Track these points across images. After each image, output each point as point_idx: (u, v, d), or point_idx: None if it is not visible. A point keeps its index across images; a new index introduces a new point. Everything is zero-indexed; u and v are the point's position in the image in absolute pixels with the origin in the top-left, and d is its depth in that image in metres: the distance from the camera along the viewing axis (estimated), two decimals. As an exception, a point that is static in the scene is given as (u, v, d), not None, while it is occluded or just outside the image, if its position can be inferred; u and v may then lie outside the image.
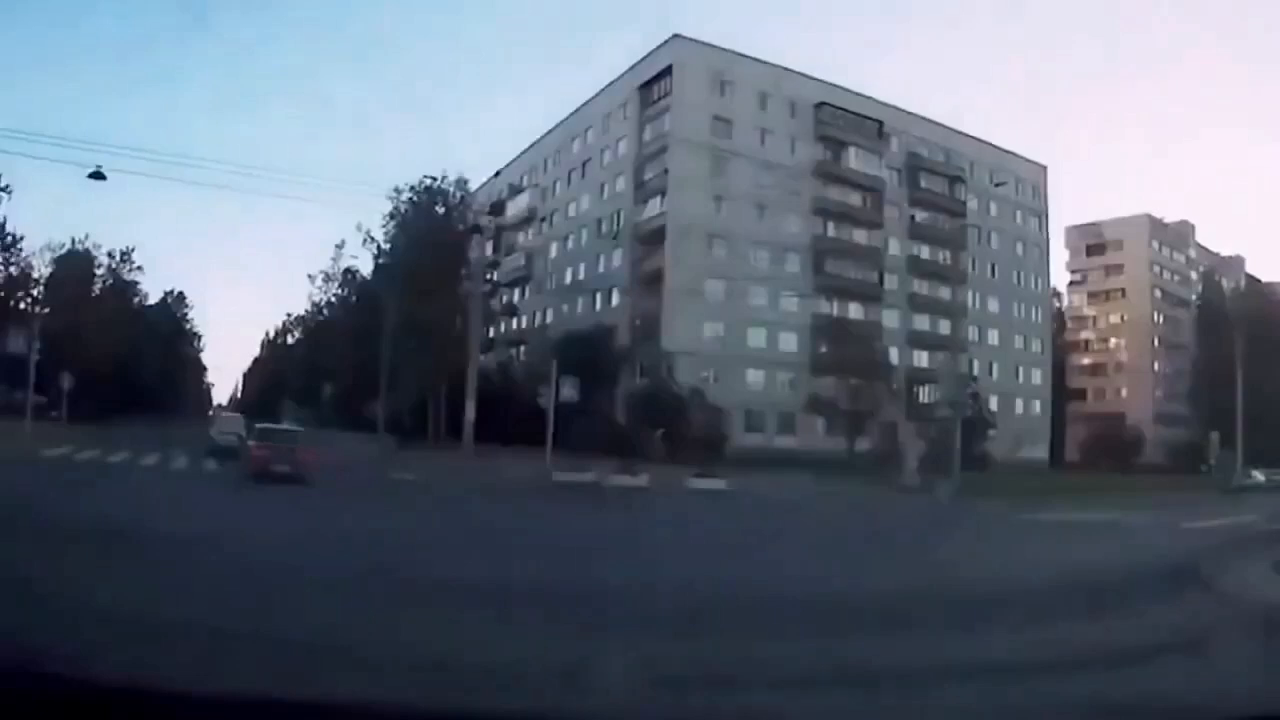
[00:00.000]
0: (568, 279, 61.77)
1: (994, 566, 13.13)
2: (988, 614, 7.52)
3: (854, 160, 59.28)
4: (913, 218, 62.30)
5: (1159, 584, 10.10)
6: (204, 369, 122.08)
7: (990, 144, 65.97)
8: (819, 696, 4.28)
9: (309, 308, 65.45)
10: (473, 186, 56.04)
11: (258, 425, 29.50)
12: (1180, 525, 20.94)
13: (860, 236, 59.59)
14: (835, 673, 4.93)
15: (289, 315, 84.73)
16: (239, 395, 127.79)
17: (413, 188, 52.13)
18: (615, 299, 56.97)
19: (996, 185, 60.14)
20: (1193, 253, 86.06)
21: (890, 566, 12.62)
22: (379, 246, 54.03)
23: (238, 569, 8.48)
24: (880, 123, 60.54)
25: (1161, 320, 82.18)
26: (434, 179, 52.22)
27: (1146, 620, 7.34)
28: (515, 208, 66.32)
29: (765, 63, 56.92)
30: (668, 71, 55.51)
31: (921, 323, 61.81)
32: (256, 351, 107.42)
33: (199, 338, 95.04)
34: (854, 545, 16.63)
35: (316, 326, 64.01)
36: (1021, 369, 66.84)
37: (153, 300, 74.14)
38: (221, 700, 2.35)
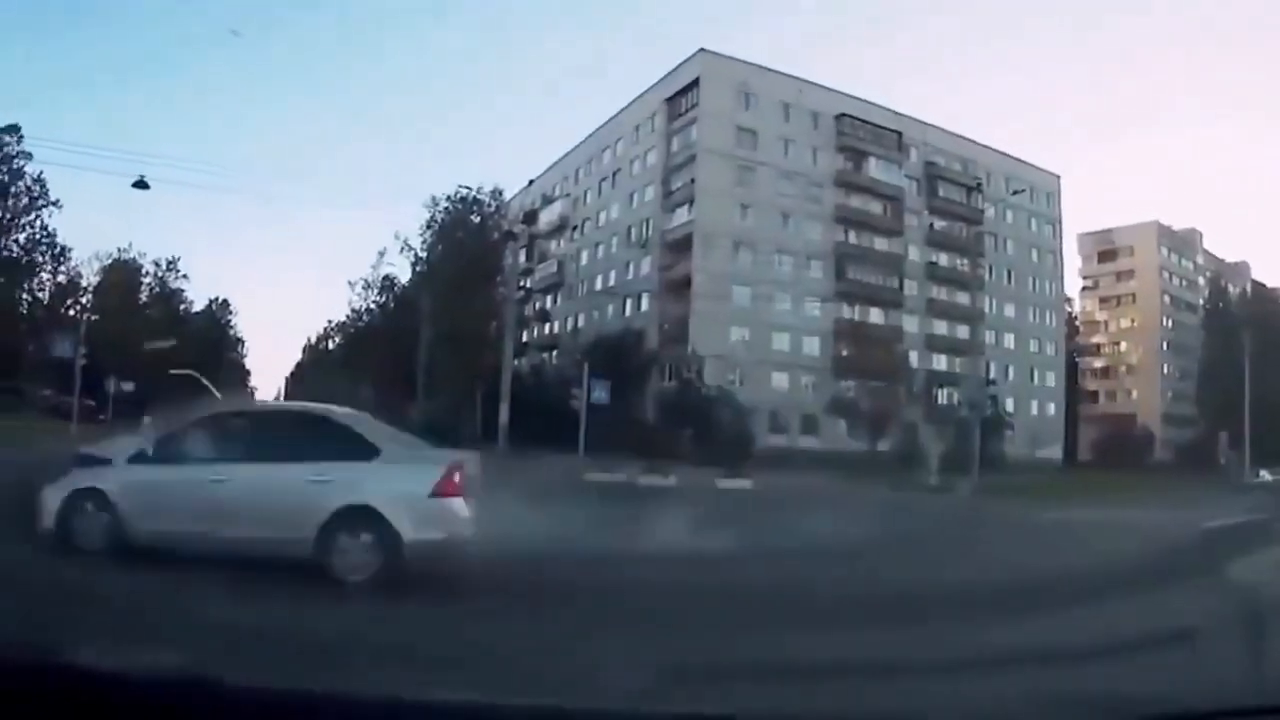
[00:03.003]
0: (598, 285, 62.79)
1: (1027, 561, 13.32)
2: (1018, 605, 7.65)
3: (874, 169, 60.35)
4: (931, 225, 63.23)
5: (1187, 579, 10.11)
6: (247, 373, 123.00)
7: (1006, 154, 66.64)
8: (840, 688, 4.26)
9: (349, 314, 65.51)
10: (507, 196, 56.77)
11: None
12: (1201, 524, 20.91)
13: (880, 244, 60.66)
14: (858, 665, 4.95)
15: (330, 321, 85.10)
16: (281, 398, 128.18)
17: (449, 197, 52.20)
18: (644, 304, 57.97)
19: (1012, 194, 60.88)
20: (1200, 259, 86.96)
21: (922, 561, 12.60)
22: (417, 254, 54.39)
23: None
24: (899, 133, 61.45)
25: (1170, 324, 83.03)
26: (470, 189, 52.27)
27: (1170, 612, 7.35)
28: (548, 216, 67.84)
29: (788, 75, 58.04)
30: (695, 84, 56.60)
31: (940, 327, 62.62)
32: (298, 356, 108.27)
33: (242, 343, 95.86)
34: (883, 541, 15.71)
35: (356, 332, 64.79)
36: (1036, 371, 67.54)
37: (198, 307, 74.88)
38: (221, 699, 2.30)
